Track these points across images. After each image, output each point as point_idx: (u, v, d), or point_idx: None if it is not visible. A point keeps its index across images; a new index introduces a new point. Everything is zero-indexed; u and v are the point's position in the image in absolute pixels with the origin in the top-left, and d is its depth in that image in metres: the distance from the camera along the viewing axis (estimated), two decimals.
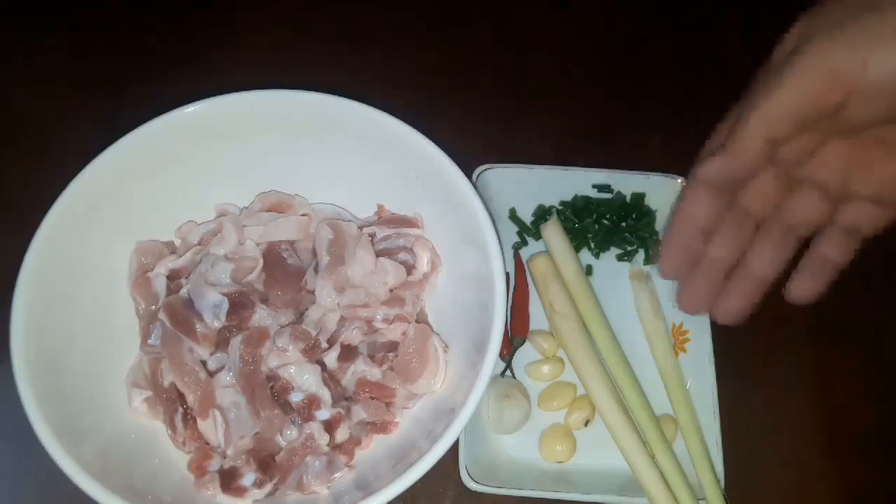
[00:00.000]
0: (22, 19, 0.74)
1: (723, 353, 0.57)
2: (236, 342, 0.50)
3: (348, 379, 0.51)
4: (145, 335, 0.51)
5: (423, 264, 0.55)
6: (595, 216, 0.62)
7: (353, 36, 0.74)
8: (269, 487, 0.48)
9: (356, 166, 0.56)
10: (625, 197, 0.63)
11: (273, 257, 0.54)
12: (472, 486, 0.51)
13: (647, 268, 0.61)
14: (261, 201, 0.57)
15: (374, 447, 0.51)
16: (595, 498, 0.52)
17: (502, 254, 0.48)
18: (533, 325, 0.59)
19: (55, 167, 0.50)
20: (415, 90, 0.69)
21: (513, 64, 0.73)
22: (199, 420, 0.49)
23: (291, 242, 0.55)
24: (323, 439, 0.49)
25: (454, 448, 0.51)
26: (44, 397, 0.44)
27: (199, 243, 0.55)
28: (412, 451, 0.46)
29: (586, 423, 0.56)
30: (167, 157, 0.53)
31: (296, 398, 0.49)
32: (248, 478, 0.47)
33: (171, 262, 0.53)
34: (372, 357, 0.52)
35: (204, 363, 0.51)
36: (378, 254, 0.54)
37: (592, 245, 0.62)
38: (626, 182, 0.63)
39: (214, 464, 0.49)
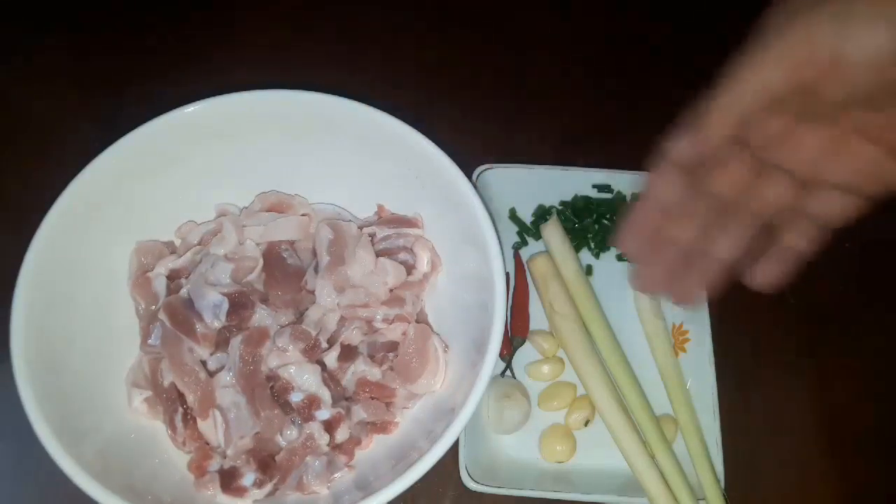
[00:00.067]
0: (22, 19, 0.74)
1: (723, 353, 0.57)
2: (236, 342, 0.50)
3: (348, 379, 0.51)
4: (145, 335, 0.51)
5: (423, 264, 0.55)
6: (595, 216, 0.62)
7: (353, 36, 0.74)
8: (269, 487, 0.48)
9: (356, 166, 0.56)
10: (625, 197, 0.63)
11: (273, 257, 0.54)
12: (472, 486, 0.51)
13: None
14: (261, 201, 0.57)
15: (374, 447, 0.51)
16: (595, 498, 0.52)
17: (502, 254, 0.48)
18: (533, 325, 0.59)
19: (55, 167, 0.50)
20: (415, 90, 0.69)
21: (513, 64, 0.73)
22: (199, 420, 0.49)
23: (291, 242, 0.55)
24: (323, 439, 0.49)
25: (454, 448, 0.51)
26: (44, 397, 0.44)
27: (199, 243, 0.55)
28: (412, 451, 0.46)
29: (586, 423, 0.56)
30: (167, 157, 0.53)
31: (296, 398, 0.49)
32: (248, 478, 0.47)
33: (171, 262, 0.53)
34: (372, 357, 0.52)
35: (204, 363, 0.51)
36: (378, 254, 0.54)
37: (592, 245, 0.62)
38: (626, 182, 0.63)
39: (214, 464, 0.49)
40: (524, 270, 0.60)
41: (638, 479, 0.52)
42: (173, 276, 0.53)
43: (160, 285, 0.52)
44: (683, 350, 0.58)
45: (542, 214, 0.63)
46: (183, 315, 0.50)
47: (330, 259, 0.53)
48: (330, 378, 0.51)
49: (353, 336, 0.52)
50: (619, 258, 0.62)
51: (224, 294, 0.51)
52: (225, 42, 0.73)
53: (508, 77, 0.73)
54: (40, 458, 0.42)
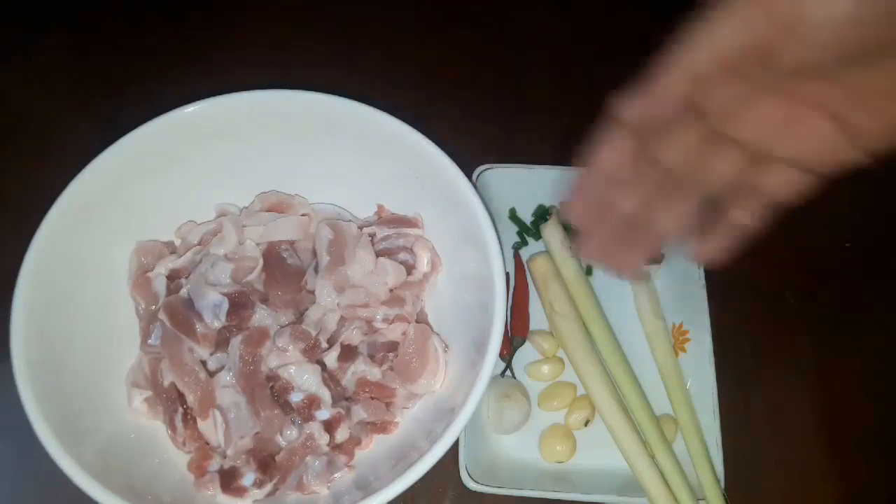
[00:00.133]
0: (22, 19, 0.74)
1: (723, 353, 0.57)
2: (236, 342, 0.50)
3: (348, 379, 0.51)
4: (145, 335, 0.51)
5: (423, 264, 0.55)
6: None
7: (353, 36, 0.74)
8: (269, 487, 0.48)
9: (356, 166, 0.56)
10: None
11: (273, 257, 0.54)
12: (472, 486, 0.51)
13: (648, 267, 0.61)
14: (261, 201, 0.57)
15: (374, 447, 0.51)
16: (595, 498, 0.52)
17: (502, 254, 0.48)
18: (533, 325, 0.59)
19: (55, 167, 0.50)
20: (415, 90, 0.69)
21: (513, 64, 0.73)
22: (199, 420, 0.49)
23: (291, 242, 0.55)
24: (323, 439, 0.49)
25: (454, 448, 0.51)
26: (44, 397, 0.44)
27: (199, 243, 0.55)
28: (412, 451, 0.46)
29: (586, 423, 0.56)
30: (167, 157, 0.53)
31: (296, 398, 0.49)
32: (248, 478, 0.47)
33: (171, 262, 0.53)
34: (372, 357, 0.52)
35: (204, 363, 0.51)
36: (378, 254, 0.54)
37: None
38: None
39: (214, 464, 0.49)
40: (524, 270, 0.60)
41: (638, 479, 0.52)
42: (173, 276, 0.53)
43: (160, 285, 0.52)
44: (683, 350, 0.58)
45: (542, 214, 0.63)
46: (183, 315, 0.50)
47: (330, 259, 0.53)
48: (330, 378, 0.51)
49: (353, 336, 0.52)
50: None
51: (224, 294, 0.51)
52: (225, 42, 0.73)
53: (508, 77, 0.73)
54: (40, 458, 0.42)
